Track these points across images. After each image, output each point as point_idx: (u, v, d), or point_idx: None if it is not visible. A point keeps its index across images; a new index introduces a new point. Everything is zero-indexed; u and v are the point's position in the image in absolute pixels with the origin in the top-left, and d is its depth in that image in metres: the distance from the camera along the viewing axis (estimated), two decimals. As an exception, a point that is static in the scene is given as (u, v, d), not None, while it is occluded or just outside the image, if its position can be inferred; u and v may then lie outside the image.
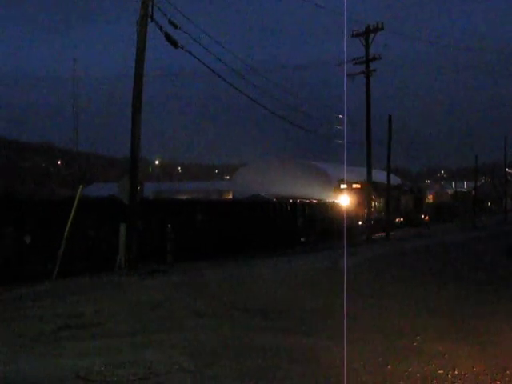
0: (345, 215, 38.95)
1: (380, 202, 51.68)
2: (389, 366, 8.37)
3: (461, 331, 10.66)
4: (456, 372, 8.10)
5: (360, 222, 44.37)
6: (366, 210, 43.02)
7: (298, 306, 13.56)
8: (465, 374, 8.02)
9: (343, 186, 47.48)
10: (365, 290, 15.57)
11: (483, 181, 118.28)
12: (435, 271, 20.41)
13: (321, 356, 8.99)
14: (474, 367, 8.32)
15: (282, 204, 37.70)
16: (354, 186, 48.51)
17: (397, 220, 54.23)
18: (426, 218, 61.05)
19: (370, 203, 44.14)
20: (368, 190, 44.29)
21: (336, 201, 45.82)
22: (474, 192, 75.57)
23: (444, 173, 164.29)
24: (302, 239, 36.89)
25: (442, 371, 8.14)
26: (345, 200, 44.47)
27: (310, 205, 41.77)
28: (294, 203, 39.40)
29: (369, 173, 41.02)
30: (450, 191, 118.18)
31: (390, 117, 44.58)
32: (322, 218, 39.70)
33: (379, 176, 52.57)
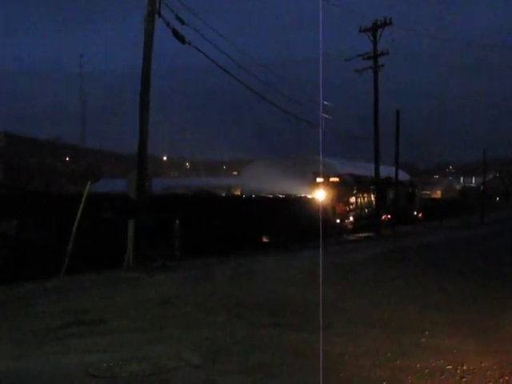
0: (320, 212, 33.32)
1: (364, 198, 48.05)
2: (397, 362, 8.35)
3: (469, 327, 10.62)
4: (465, 367, 8.08)
5: (338, 220, 41.27)
6: (345, 207, 41.22)
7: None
8: (473, 369, 8.00)
9: (319, 179, 43.10)
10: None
11: (491, 176, 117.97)
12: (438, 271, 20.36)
13: (323, 350, 8.98)
14: (482, 362, 8.30)
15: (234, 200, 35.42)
16: (332, 179, 44.50)
17: (383, 217, 47.68)
18: (420, 214, 57.11)
19: (348, 199, 42.30)
20: (347, 183, 42.63)
21: (313, 196, 40.89)
22: (482, 187, 75.27)
23: (452, 168, 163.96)
24: (264, 239, 32.32)
25: (450, 366, 8.12)
26: (321, 195, 40.07)
27: (282, 201, 37.52)
28: (259, 199, 35.77)
29: (376, 168, 41.00)
30: (458, 186, 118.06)
31: (397, 112, 44.52)
32: (294, 215, 34.63)
33: (387, 172, 52.02)
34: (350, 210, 43.56)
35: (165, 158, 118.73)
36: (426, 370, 7.97)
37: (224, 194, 44.47)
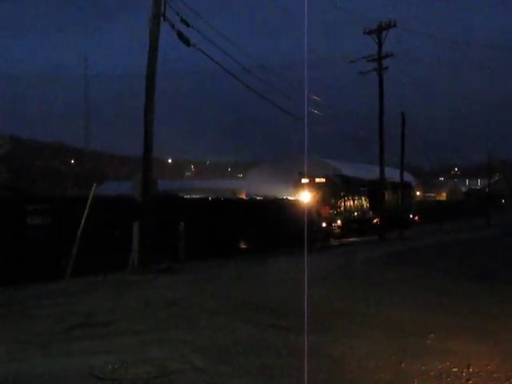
0: (305, 216, 31.98)
1: (354, 200, 44.84)
2: (402, 364, 8.33)
3: (474, 329, 10.61)
4: (470, 370, 8.06)
5: (324, 224, 37.94)
6: (332, 210, 39.07)
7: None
8: (479, 372, 7.98)
9: (304, 180, 40.13)
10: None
11: (497, 178, 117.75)
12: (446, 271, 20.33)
13: (330, 353, 8.97)
14: (488, 365, 8.28)
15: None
16: (318, 180, 41.29)
17: (374, 221, 45.31)
18: (416, 217, 53.31)
19: (336, 201, 40.00)
20: (334, 184, 40.38)
21: (298, 198, 37.73)
22: (487, 189, 75.04)
23: (457, 170, 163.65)
24: (242, 245, 29.27)
25: (456, 369, 8.10)
26: (305, 197, 37.23)
27: (260, 204, 35.25)
28: (240, 202, 34.09)
29: (382, 170, 40.88)
30: (463, 188, 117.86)
31: (402, 114, 44.46)
32: (274, 219, 31.31)
33: (392, 174, 51.65)
34: (338, 213, 40.69)
35: (170, 161, 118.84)
36: (432, 373, 7.95)
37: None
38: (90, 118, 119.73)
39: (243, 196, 63.90)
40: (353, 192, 44.35)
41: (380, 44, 39.52)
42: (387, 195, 48.00)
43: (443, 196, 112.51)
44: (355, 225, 42.32)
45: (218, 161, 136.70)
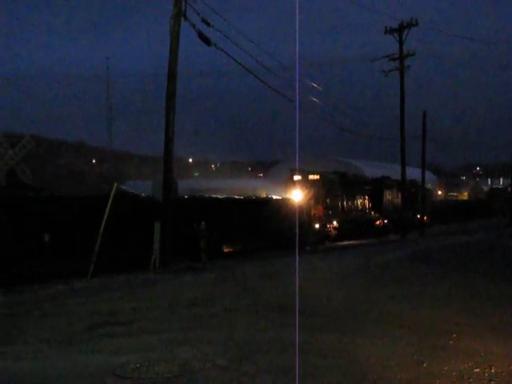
0: (297, 216, 29.83)
1: (353, 199, 41.51)
2: (424, 364, 8.29)
3: (497, 330, 10.52)
4: (493, 370, 8.00)
5: (317, 225, 34.94)
6: (326, 210, 36.02)
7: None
8: (502, 373, 7.92)
9: (297, 177, 36.28)
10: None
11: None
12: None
13: (350, 352, 8.95)
14: (510, 366, 8.21)
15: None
16: (312, 176, 37.52)
17: (377, 222, 43.71)
18: (425, 218, 47.29)
19: (331, 200, 37.03)
20: (330, 182, 37.43)
21: (289, 198, 34.39)
22: (510, 188, 74.18)
23: (480, 169, 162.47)
24: (225, 249, 27.30)
25: (478, 369, 8.04)
26: (297, 196, 33.67)
27: (255, 203, 32.55)
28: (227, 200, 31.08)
29: (403, 170, 40.68)
30: (485, 188, 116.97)
31: (424, 113, 44.33)
32: (264, 219, 29.32)
33: (414, 173, 51.23)
34: (334, 214, 37.33)
35: (190, 160, 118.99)
36: (454, 373, 7.90)
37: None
38: (112, 118, 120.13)
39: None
40: (352, 190, 41.14)
41: (401, 43, 39.35)
42: (391, 194, 46.38)
43: (465, 195, 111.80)
44: (354, 226, 39.34)
45: (239, 160, 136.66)
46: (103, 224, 19.37)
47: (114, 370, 8.11)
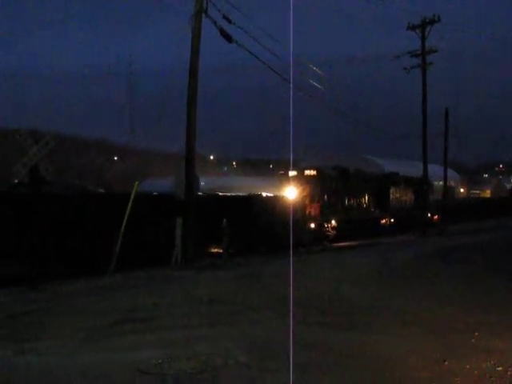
0: (291, 216, 27.41)
1: (355, 197, 38.41)
2: (446, 363, 8.23)
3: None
4: (515, 369, 7.92)
5: (312, 225, 32.04)
6: (323, 208, 33.02)
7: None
8: (524, 371, 7.84)
9: (292, 173, 33.77)
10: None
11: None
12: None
13: (370, 350, 8.90)
14: (533, 364, 8.13)
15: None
16: (308, 172, 34.68)
17: (383, 221, 41.08)
18: (435, 217, 45.01)
19: (329, 198, 34.13)
20: (328, 178, 34.78)
21: (283, 195, 31.84)
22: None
23: (502, 167, 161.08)
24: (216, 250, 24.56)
25: (500, 368, 7.98)
26: (292, 193, 31.11)
27: (239, 201, 29.98)
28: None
29: (425, 167, 40.45)
30: (508, 185, 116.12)
31: (446, 110, 44.06)
32: (253, 218, 27.23)
33: (436, 170, 50.83)
34: (333, 212, 34.36)
35: (211, 157, 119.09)
36: (476, 372, 7.84)
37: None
38: (134, 115, 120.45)
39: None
40: (354, 187, 37.99)
41: (423, 39, 39.12)
42: (399, 192, 43.82)
43: (488, 193, 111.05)
44: (356, 226, 36.21)
45: (261, 158, 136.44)
46: (124, 222, 19.43)
47: (136, 366, 8.14)
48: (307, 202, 32.40)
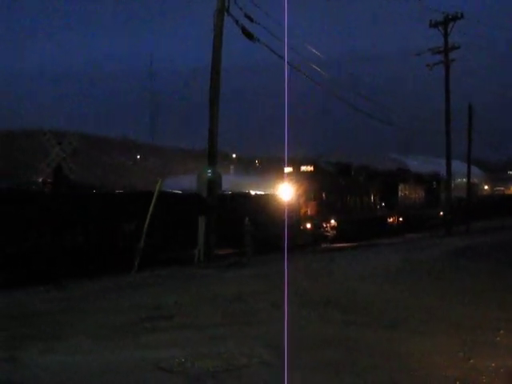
0: (286, 215, 25.56)
1: (357, 194, 36.55)
2: (471, 361, 8.17)
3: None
4: (542, 368, 7.84)
5: (308, 225, 30.63)
6: (321, 207, 31.20)
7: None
8: (550, 369, 7.76)
9: (287, 169, 31.74)
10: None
11: None
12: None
13: (395, 348, 8.86)
14: (560, 363, 8.04)
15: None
16: (304, 168, 32.99)
17: (390, 220, 39.28)
18: (449, 215, 39.64)
19: (328, 195, 32.50)
20: (327, 175, 33.02)
21: (277, 193, 30.46)
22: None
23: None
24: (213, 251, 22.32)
25: (526, 366, 7.90)
26: (286, 191, 29.50)
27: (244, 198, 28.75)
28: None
29: (448, 164, 40.14)
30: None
31: (469, 106, 43.63)
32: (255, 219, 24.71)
33: (460, 167, 50.35)
34: (332, 211, 32.35)
35: (234, 156, 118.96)
36: (502, 370, 7.78)
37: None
38: (156, 113, 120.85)
39: None
40: (356, 184, 36.33)
41: (446, 36, 38.87)
42: (408, 189, 41.89)
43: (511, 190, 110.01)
44: (359, 225, 34.04)
45: (283, 156, 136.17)
46: (147, 220, 19.49)
47: (158, 364, 8.15)
48: (303, 199, 31.05)
